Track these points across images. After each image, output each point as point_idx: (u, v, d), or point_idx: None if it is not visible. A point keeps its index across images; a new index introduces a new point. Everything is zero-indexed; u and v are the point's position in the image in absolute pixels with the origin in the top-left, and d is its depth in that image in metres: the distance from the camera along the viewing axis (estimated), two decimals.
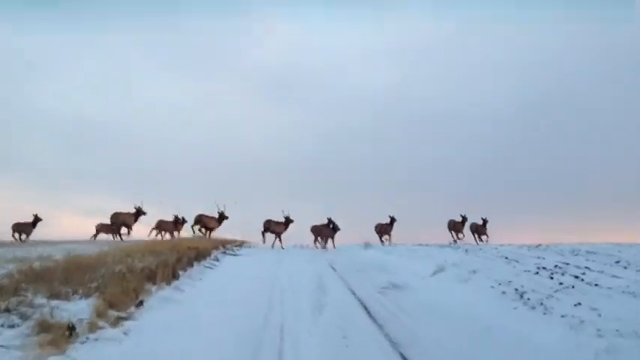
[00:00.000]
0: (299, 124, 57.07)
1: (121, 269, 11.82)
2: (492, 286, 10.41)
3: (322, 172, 52.22)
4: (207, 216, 26.34)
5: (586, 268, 11.60)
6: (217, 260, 17.55)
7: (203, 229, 26.10)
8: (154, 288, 11.10)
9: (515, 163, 50.80)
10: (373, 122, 56.19)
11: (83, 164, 49.20)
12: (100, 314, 8.59)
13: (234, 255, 20.85)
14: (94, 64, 55.07)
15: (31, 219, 24.56)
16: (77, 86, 53.75)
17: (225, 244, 23.57)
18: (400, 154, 53.76)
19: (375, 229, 25.92)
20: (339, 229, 24.98)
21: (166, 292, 11.07)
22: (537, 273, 11.29)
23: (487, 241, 25.55)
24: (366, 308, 9.70)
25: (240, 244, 26.88)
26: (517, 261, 13.43)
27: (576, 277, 10.54)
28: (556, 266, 12.01)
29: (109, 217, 25.38)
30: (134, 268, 12.22)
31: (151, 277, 11.72)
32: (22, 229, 24.36)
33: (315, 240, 24.94)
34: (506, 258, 14.24)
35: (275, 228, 25.28)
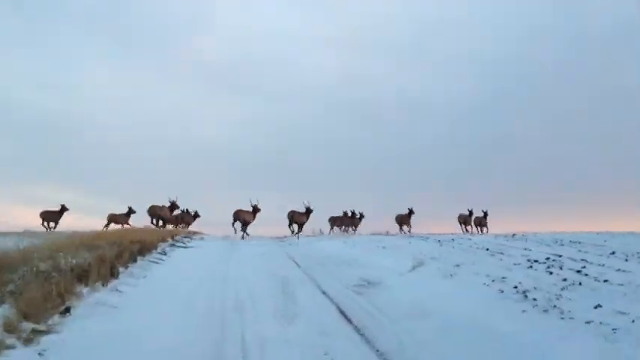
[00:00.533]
0: (252, 114, 55.44)
1: (47, 268, 9.89)
2: (485, 283, 8.98)
3: (276, 161, 50.76)
4: (243, 211, 24.91)
5: (583, 260, 10.35)
6: (165, 254, 15.61)
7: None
8: (86, 290, 9.22)
9: (474, 153, 50.45)
10: (325, 112, 55.23)
11: (19, 151, 46.13)
12: (9, 328, 6.71)
13: (185, 247, 18.94)
14: (31, 51, 51.97)
15: (58, 208, 24.78)
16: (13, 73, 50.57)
17: (174, 236, 21.67)
18: (354, 143, 52.84)
19: (396, 220, 26.30)
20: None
21: (101, 294, 9.18)
22: (531, 267, 9.96)
23: (486, 232, 25.66)
24: (342, 313, 8.09)
25: (192, 234, 25.09)
26: (502, 253, 12.11)
27: (578, 271, 9.24)
28: (548, 259, 10.73)
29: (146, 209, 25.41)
30: (63, 266, 10.30)
31: (84, 276, 9.84)
32: (51, 217, 24.60)
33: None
34: (488, 250, 12.92)
35: (298, 219, 24.98)
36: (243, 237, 23.49)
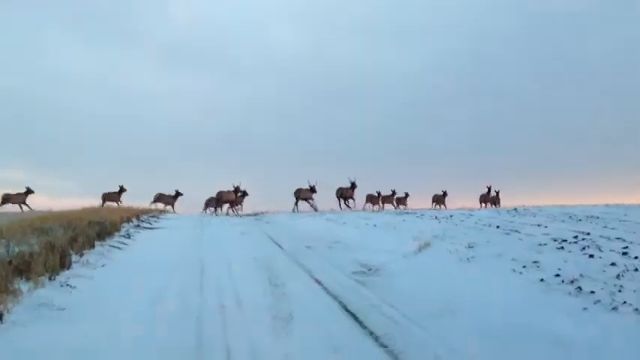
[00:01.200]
0: (213, 92, 53.60)
1: None
2: (515, 270, 7.45)
3: (236, 140, 49.31)
4: (304, 189, 25.19)
5: (619, 240, 8.92)
6: (129, 237, 13.80)
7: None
8: (26, 287, 7.42)
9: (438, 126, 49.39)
10: (288, 89, 53.84)
11: None
12: None
13: (151, 228, 17.13)
14: None
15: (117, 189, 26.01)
16: None
17: (140, 215, 19.78)
18: (315, 120, 51.59)
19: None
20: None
21: (47, 291, 7.35)
22: (562, 248, 8.47)
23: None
24: (350, 312, 6.43)
25: (158, 213, 23.26)
26: (517, 231, 10.62)
27: (624, 253, 7.77)
28: (576, 237, 9.28)
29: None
30: (1, 255, 8.52)
31: (26, 269, 8.05)
32: (111, 197, 25.76)
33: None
34: (499, 227, 11.43)
35: (345, 193, 25.02)
36: (316, 209, 23.87)
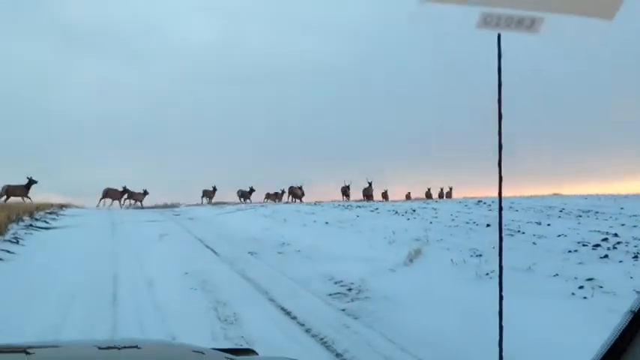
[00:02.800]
0: (109, 80, 50.04)
1: None
2: (575, 294, 5.26)
3: (136, 130, 46.26)
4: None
5: None
6: (17, 242, 10.62)
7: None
8: None
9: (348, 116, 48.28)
10: (192, 78, 51.48)
11: None
12: None
13: (48, 228, 13.86)
14: None
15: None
16: None
17: (33, 212, 16.32)
18: (217, 113, 49.59)
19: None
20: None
21: None
22: (606, 256, 6.40)
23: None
24: None
25: (59, 209, 19.75)
26: (520, 232, 8.54)
27: None
28: (606, 240, 7.29)
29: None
30: None
31: None
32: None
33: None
34: (489, 225, 9.30)
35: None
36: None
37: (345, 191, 25.72)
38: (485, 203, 13.17)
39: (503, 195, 1.39)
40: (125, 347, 1.61)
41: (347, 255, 8.40)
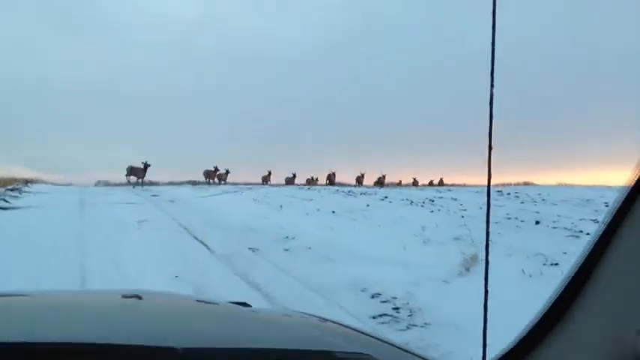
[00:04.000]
0: (83, 50, 48.53)
1: None
2: None
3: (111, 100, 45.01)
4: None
5: None
6: None
7: None
8: None
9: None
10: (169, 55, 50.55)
11: None
12: None
13: (5, 209, 12.00)
14: None
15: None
16: None
17: None
18: (195, 90, 48.74)
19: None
20: None
21: None
22: None
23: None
24: None
25: (23, 185, 17.95)
26: (585, 233, 7.04)
27: None
28: None
29: None
30: None
31: None
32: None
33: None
34: (538, 223, 7.80)
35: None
36: None
37: (360, 179, 25.84)
38: (508, 194, 11.70)
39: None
40: (127, 297, 1.53)
41: (373, 255, 6.84)
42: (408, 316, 4.77)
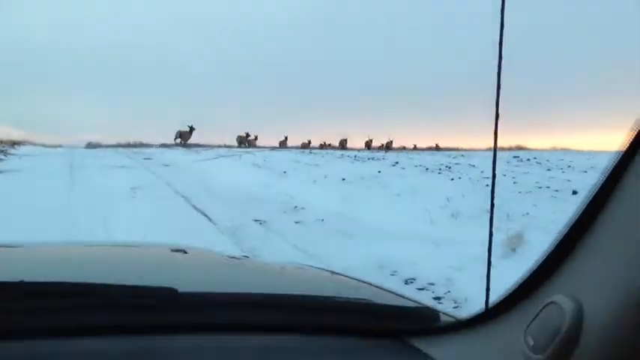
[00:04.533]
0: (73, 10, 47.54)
1: None
2: None
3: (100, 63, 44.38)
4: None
5: None
6: None
7: None
8: None
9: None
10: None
11: None
12: None
13: None
14: None
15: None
16: None
17: None
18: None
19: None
20: None
21: None
22: None
23: None
24: None
25: (10, 147, 17.18)
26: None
27: None
28: None
29: None
30: None
31: None
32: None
33: None
34: (575, 192, 7.05)
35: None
36: None
37: (369, 144, 26.76)
38: (528, 159, 10.95)
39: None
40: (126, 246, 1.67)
41: (397, 230, 6.09)
42: (454, 308, 4.05)
